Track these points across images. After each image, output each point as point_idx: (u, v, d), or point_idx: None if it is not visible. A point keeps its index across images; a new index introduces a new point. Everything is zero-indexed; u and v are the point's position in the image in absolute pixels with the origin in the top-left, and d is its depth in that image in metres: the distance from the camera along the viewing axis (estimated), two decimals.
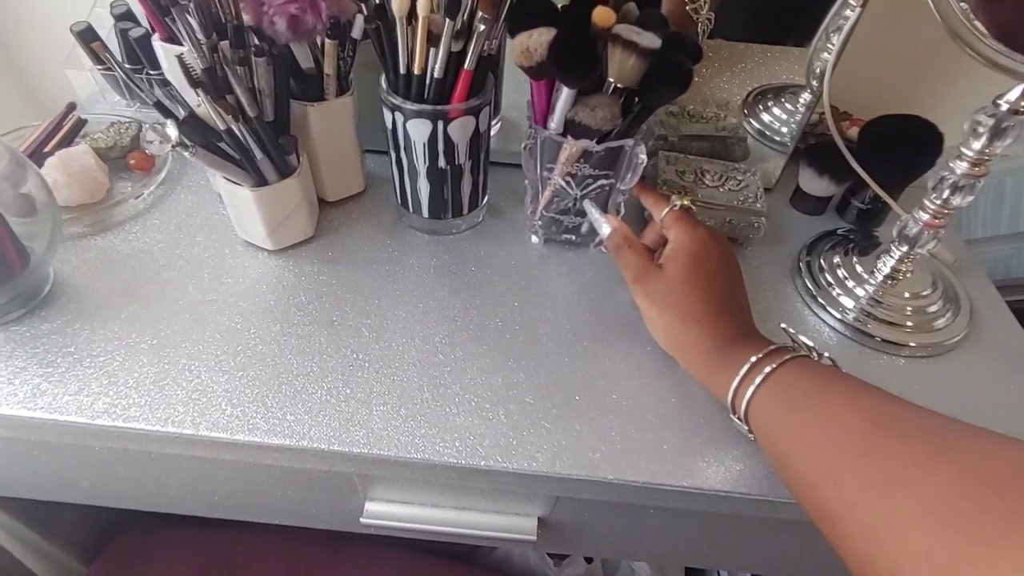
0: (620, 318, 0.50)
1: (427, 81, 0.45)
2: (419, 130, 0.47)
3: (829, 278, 0.53)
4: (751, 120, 0.68)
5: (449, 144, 0.48)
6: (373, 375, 0.45)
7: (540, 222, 0.54)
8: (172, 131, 0.39)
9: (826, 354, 0.39)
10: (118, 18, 0.61)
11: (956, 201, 0.45)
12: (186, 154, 0.41)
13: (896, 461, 0.28)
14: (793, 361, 0.37)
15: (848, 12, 0.53)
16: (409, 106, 0.46)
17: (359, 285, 0.51)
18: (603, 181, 0.49)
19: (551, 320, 0.49)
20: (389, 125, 0.49)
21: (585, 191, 0.50)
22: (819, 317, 0.52)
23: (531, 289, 0.52)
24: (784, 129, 0.67)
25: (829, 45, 0.57)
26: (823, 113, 0.55)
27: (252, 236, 0.52)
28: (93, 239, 0.53)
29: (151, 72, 0.63)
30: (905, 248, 0.49)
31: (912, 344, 0.49)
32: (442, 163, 0.49)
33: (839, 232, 0.58)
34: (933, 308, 0.51)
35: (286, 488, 0.50)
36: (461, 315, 0.49)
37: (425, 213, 0.54)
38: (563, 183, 0.49)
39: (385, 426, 0.42)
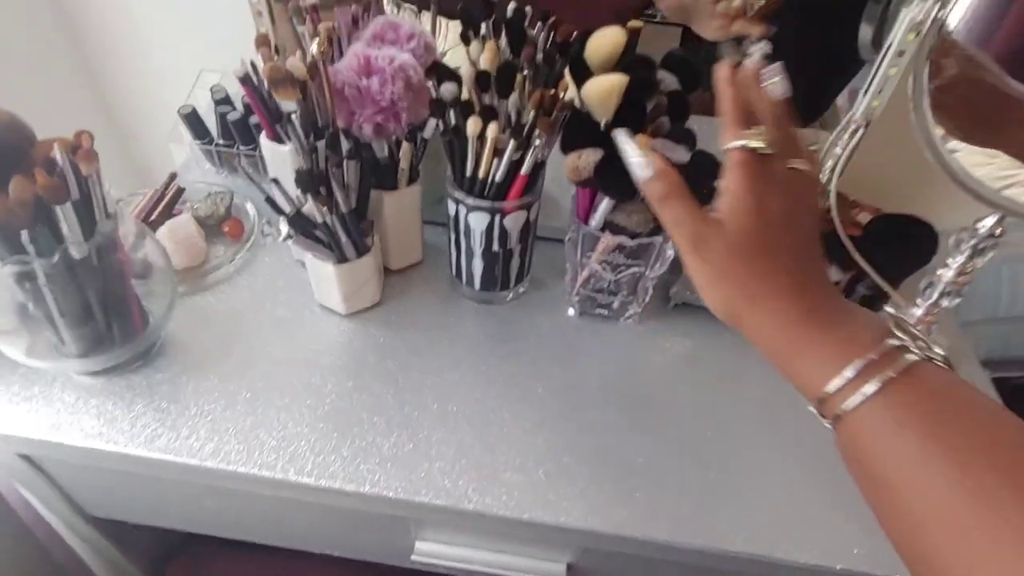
0: (646, 388, 0.57)
1: (488, 182, 0.54)
2: (478, 220, 0.56)
3: None
4: None
5: (503, 232, 0.56)
6: (432, 432, 0.52)
7: (577, 298, 0.61)
8: (284, 227, 0.48)
9: (939, 351, 0.32)
10: (218, 103, 0.71)
11: (944, 303, 0.51)
12: (289, 242, 0.50)
13: None
14: (915, 367, 0.30)
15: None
16: (471, 201, 0.54)
17: (419, 348, 0.59)
18: (635, 268, 0.56)
19: (585, 388, 0.56)
20: (452, 213, 0.57)
21: (618, 276, 0.57)
22: None
23: (568, 358, 0.59)
24: None
25: (843, 139, 0.64)
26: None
27: (328, 301, 0.60)
28: (192, 298, 0.62)
29: (242, 147, 0.72)
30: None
31: None
32: (496, 247, 0.58)
33: None
34: None
35: (349, 524, 0.58)
36: (508, 380, 0.56)
37: (477, 286, 0.62)
38: (599, 268, 0.57)
39: (443, 478, 0.49)
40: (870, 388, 0.30)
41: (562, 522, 0.47)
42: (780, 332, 0.34)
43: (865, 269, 0.59)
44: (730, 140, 0.37)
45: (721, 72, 0.39)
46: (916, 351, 0.31)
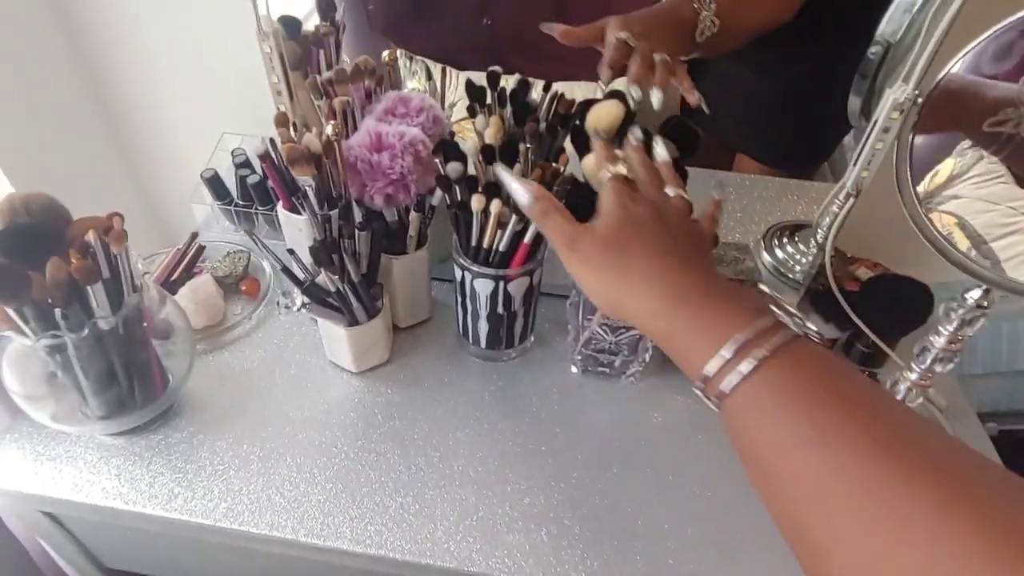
0: (647, 447, 0.58)
1: (492, 250, 0.56)
2: (483, 286, 0.58)
3: None
4: (767, 254, 0.77)
5: (507, 297, 0.58)
6: (437, 492, 0.54)
7: (579, 357, 0.63)
8: (299, 299, 0.51)
9: (812, 327, 0.34)
10: (238, 166, 0.74)
11: (938, 369, 0.52)
12: (304, 310, 0.52)
13: (906, 501, 0.24)
14: (789, 346, 0.31)
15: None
16: (476, 268, 0.57)
17: (425, 407, 0.61)
18: (634, 331, 0.58)
19: (586, 447, 0.58)
20: (458, 278, 0.60)
21: (618, 338, 0.59)
22: None
23: (570, 416, 0.61)
24: (798, 268, 0.76)
25: (838, 200, 0.67)
26: (833, 256, 0.63)
27: (339, 360, 0.63)
28: (209, 357, 0.64)
29: (259, 207, 0.76)
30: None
31: None
32: (500, 310, 0.60)
33: None
34: None
35: None
36: (511, 439, 0.58)
37: (483, 345, 0.64)
38: (599, 330, 0.59)
39: (447, 540, 0.50)
40: (745, 367, 0.30)
41: None
42: (660, 314, 0.35)
43: (858, 324, 0.61)
44: (602, 172, 0.42)
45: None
46: (791, 328, 0.31)
